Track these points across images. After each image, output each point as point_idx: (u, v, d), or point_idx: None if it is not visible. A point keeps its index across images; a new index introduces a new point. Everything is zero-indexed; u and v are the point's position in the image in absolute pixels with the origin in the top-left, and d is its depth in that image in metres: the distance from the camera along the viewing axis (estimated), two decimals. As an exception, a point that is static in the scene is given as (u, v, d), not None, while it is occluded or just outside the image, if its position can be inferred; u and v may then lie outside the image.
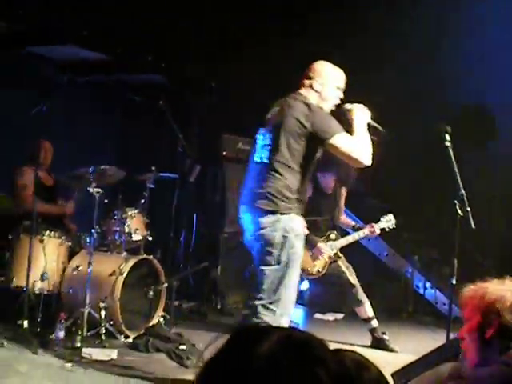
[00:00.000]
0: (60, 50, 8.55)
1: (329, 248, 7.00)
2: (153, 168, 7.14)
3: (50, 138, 7.20)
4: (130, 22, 8.07)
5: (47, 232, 6.52)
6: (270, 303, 4.51)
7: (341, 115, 4.79)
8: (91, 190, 6.43)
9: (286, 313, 4.56)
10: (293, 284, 4.60)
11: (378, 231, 7.08)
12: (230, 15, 8.73)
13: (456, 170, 5.00)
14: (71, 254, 6.78)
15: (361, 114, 4.76)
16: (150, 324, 6.65)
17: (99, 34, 8.03)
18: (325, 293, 8.43)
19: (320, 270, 7.02)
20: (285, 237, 4.51)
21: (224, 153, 8.95)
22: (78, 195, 7.29)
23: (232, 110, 9.18)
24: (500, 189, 9.42)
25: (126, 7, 7.88)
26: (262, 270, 4.55)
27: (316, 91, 4.77)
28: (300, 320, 8.26)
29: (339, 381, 1.14)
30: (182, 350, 5.87)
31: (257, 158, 4.74)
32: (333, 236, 7.13)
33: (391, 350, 6.79)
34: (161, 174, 7.23)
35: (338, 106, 4.87)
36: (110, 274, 6.41)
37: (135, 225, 6.90)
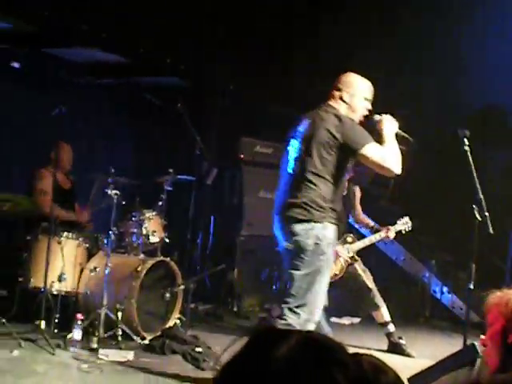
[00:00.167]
0: (79, 52, 8.59)
1: (345, 251, 6.98)
2: (170, 170, 7.15)
3: (67, 139, 7.22)
4: (149, 24, 8.10)
5: (65, 233, 6.56)
6: (297, 307, 4.62)
7: (370, 126, 4.88)
8: (109, 191, 6.46)
9: (312, 319, 4.66)
10: (321, 291, 4.71)
11: (393, 234, 7.05)
12: (248, 18, 8.75)
13: (474, 174, 4.99)
14: (89, 255, 6.81)
15: (389, 125, 4.85)
16: (167, 326, 6.66)
17: (118, 36, 8.06)
18: (341, 297, 8.39)
19: (337, 273, 7.00)
20: (317, 244, 4.63)
21: (241, 156, 8.96)
22: (95, 197, 7.29)
23: (249, 112, 9.20)
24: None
25: (145, 10, 7.91)
26: (291, 273, 4.67)
27: (345, 102, 4.87)
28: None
29: (357, 384, 1.14)
30: (198, 352, 5.88)
31: (290, 170, 4.86)
32: (349, 239, 7.11)
33: (408, 355, 6.76)
34: (178, 177, 7.24)
35: (366, 117, 4.97)
36: (127, 276, 6.44)
37: (153, 227, 6.92)
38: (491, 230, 4.95)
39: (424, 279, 9.48)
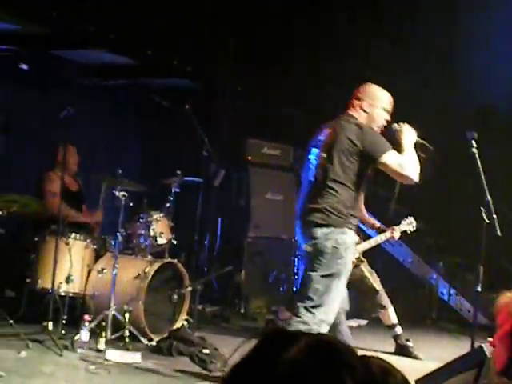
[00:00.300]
0: (87, 53, 8.61)
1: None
2: (178, 172, 7.17)
3: (75, 141, 7.23)
4: (157, 26, 8.11)
5: (73, 235, 6.57)
6: (313, 307, 4.69)
7: (389, 135, 4.95)
8: (117, 193, 6.47)
9: (327, 321, 4.73)
10: (337, 294, 4.78)
11: (398, 234, 7.03)
12: (255, 21, 8.76)
13: (482, 176, 4.99)
14: (96, 256, 6.82)
15: (408, 134, 4.92)
16: (174, 327, 6.66)
17: (126, 38, 8.08)
18: (348, 298, 8.39)
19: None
20: (335, 248, 4.70)
21: (249, 157, 8.97)
22: (104, 200, 7.30)
23: (257, 114, 9.20)
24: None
25: (153, 12, 7.93)
26: (309, 275, 4.76)
27: (365, 112, 4.95)
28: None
29: (365, 387, 1.14)
30: (205, 353, 5.87)
31: (311, 177, 4.94)
32: (355, 240, 7.08)
33: (415, 357, 6.75)
34: (186, 178, 7.26)
35: (385, 127, 5.04)
36: (135, 277, 6.44)
37: (160, 228, 6.93)
38: (499, 233, 4.94)
39: (431, 281, 9.47)
